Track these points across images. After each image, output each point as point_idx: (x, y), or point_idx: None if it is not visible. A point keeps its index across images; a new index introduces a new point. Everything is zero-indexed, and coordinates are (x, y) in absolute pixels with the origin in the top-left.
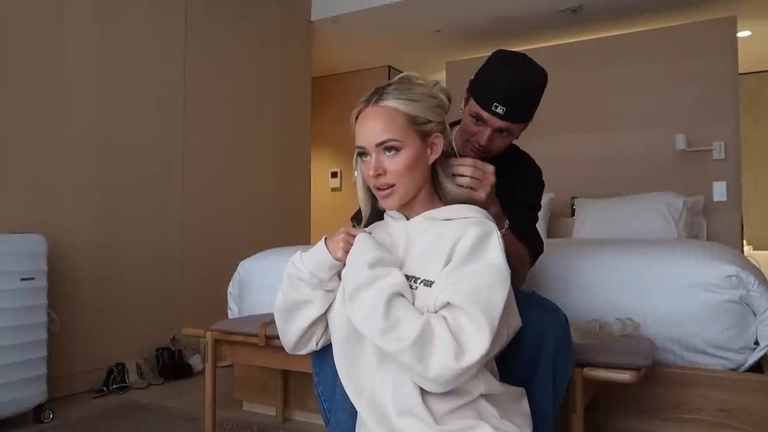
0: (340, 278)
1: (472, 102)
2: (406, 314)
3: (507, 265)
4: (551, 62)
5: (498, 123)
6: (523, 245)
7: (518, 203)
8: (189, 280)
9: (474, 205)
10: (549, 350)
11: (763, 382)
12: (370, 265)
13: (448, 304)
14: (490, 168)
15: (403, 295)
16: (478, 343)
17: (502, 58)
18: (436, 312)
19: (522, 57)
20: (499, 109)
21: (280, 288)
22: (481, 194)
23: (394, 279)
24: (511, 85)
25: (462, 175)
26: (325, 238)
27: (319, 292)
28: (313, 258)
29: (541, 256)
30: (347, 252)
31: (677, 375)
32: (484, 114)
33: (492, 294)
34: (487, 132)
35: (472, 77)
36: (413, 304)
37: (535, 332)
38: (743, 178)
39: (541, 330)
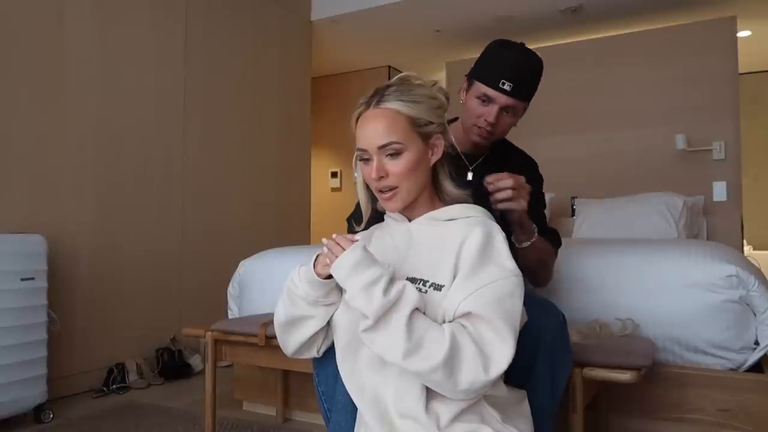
0: (339, 290)
1: (476, 84)
2: (428, 331)
3: (516, 265)
4: (551, 62)
5: (505, 100)
6: (550, 244)
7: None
8: (189, 280)
9: (472, 200)
10: (546, 350)
11: (763, 382)
12: (382, 288)
13: (469, 314)
14: (522, 178)
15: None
16: (504, 353)
17: (502, 42)
18: (453, 320)
19: (519, 42)
20: (506, 86)
21: (280, 301)
22: (523, 203)
23: (410, 294)
24: (517, 63)
25: (502, 188)
26: (317, 255)
27: (319, 308)
28: (306, 276)
29: None
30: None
31: (677, 375)
32: (491, 92)
33: (513, 301)
34: (495, 109)
35: (470, 68)
36: (425, 311)
37: (532, 332)
38: (743, 178)
39: (538, 330)
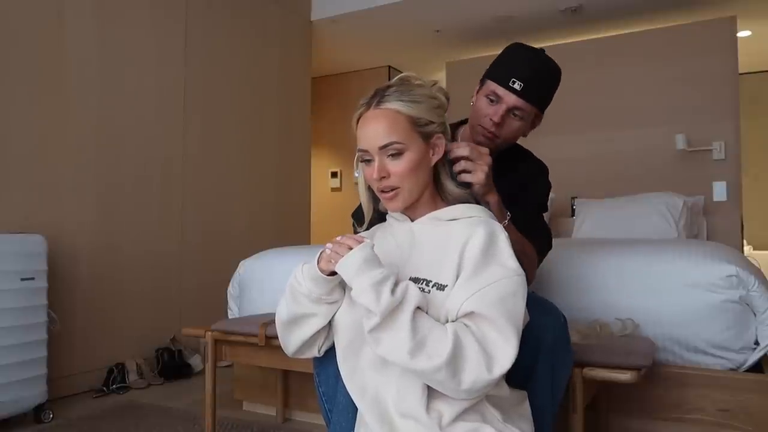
0: (342, 289)
1: (488, 83)
2: (432, 331)
3: (519, 265)
4: None
5: (513, 100)
6: (530, 243)
7: (525, 204)
8: (189, 280)
9: (474, 197)
10: (547, 350)
11: (763, 382)
12: (390, 288)
13: (472, 313)
14: (485, 150)
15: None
16: (507, 352)
17: (519, 44)
18: (456, 319)
19: (540, 48)
20: (517, 85)
21: (283, 299)
22: (480, 175)
23: (413, 293)
24: (531, 64)
25: (458, 158)
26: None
27: (321, 306)
28: (310, 273)
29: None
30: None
31: (677, 375)
32: (500, 90)
33: (516, 301)
34: (502, 109)
35: (486, 68)
36: (427, 311)
37: (533, 332)
38: (743, 178)
39: (539, 330)
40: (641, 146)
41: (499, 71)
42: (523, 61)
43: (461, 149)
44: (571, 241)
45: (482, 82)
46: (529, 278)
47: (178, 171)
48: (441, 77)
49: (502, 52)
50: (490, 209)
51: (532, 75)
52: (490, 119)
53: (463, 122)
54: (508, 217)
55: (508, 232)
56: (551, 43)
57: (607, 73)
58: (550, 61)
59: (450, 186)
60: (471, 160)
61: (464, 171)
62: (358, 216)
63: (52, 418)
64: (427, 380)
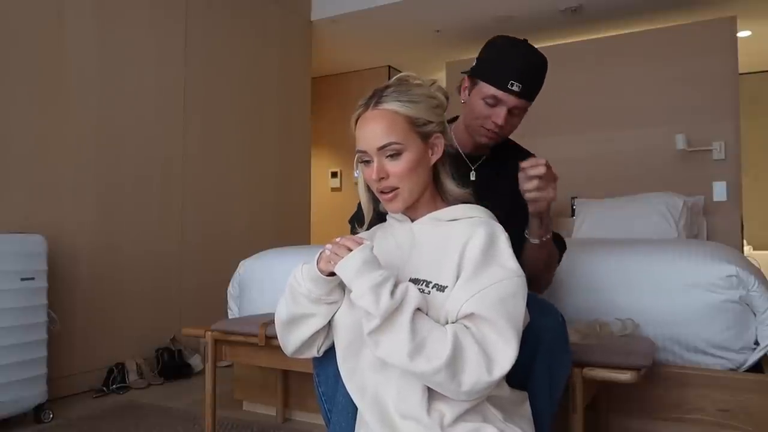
0: (341, 289)
1: (482, 85)
2: (431, 332)
3: (519, 266)
4: (551, 62)
5: (514, 102)
6: (557, 248)
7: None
8: (189, 280)
9: (472, 199)
10: (546, 350)
11: (763, 382)
12: (389, 290)
13: (472, 315)
14: (554, 168)
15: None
16: (507, 354)
17: (505, 41)
18: (456, 321)
19: (523, 39)
20: (515, 87)
21: (282, 298)
22: (552, 192)
23: (412, 294)
24: (525, 63)
25: (532, 177)
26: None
27: (321, 306)
28: (309, 273)
29: None
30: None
31: (677, 375)
32: (500, 94)
33: (516, 302)
34: (504, 111)
35: (473, 65)
36: (427, 312)
37: (531, 333)
38: (743, 178)
39: (537, 330)
40: (641, 146)
41: (494, 73)
42: (516, 61)
43: (538, 169)
44: (571, 241)
45: (473, 81)
46: (545, 285)
47: (178, 171)
48: (441, 77)
49: (491, 50)
50: (540, 224)
51: (527, 74)
52: (493, 122)
53: (452, 120)
54: (551, 229)
55: (547, 247)
56: (551, 43)
57: (607, 73)
58: (538, 54)
59: (450, 186)
60: (541, 178)
61: (537, 189)
62: (358, 218)
63: (52, 418)
64: (427, 382)
